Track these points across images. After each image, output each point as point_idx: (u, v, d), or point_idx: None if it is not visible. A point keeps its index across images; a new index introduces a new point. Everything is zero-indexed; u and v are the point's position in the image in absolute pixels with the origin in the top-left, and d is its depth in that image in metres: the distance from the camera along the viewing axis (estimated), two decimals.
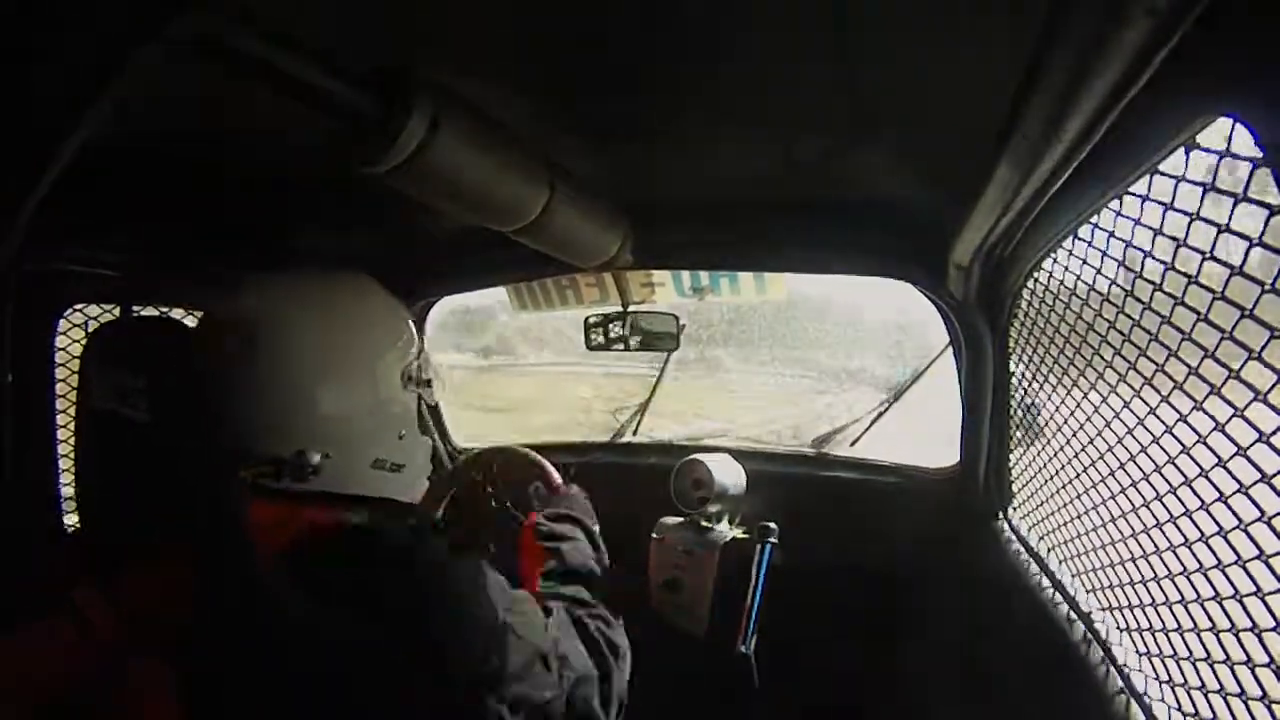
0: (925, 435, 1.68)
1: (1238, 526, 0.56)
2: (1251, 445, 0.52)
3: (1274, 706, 0.54)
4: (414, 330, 0.80)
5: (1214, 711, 0.62)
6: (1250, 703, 0.56)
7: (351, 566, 0.64)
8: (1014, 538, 1.19)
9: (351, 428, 0.71)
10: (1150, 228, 0.63)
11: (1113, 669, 0.79)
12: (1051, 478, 1.01)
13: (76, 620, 0.58)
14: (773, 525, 1.31)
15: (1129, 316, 0.70)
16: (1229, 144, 0.50)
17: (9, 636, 0.59)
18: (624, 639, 0.88)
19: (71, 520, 1.15)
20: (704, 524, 1.39)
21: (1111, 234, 0.71)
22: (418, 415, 0.81)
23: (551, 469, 1.27)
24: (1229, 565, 0.58)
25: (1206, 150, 0.52)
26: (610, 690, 0.81)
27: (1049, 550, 1.07)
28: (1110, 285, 0.73)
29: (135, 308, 1.21)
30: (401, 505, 0.79)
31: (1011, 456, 1.24)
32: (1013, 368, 1.17)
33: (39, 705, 0.57)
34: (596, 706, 0.78)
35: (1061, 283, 0.88)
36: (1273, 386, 0.49)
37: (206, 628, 0.59)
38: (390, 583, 0.64)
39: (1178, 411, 0.63)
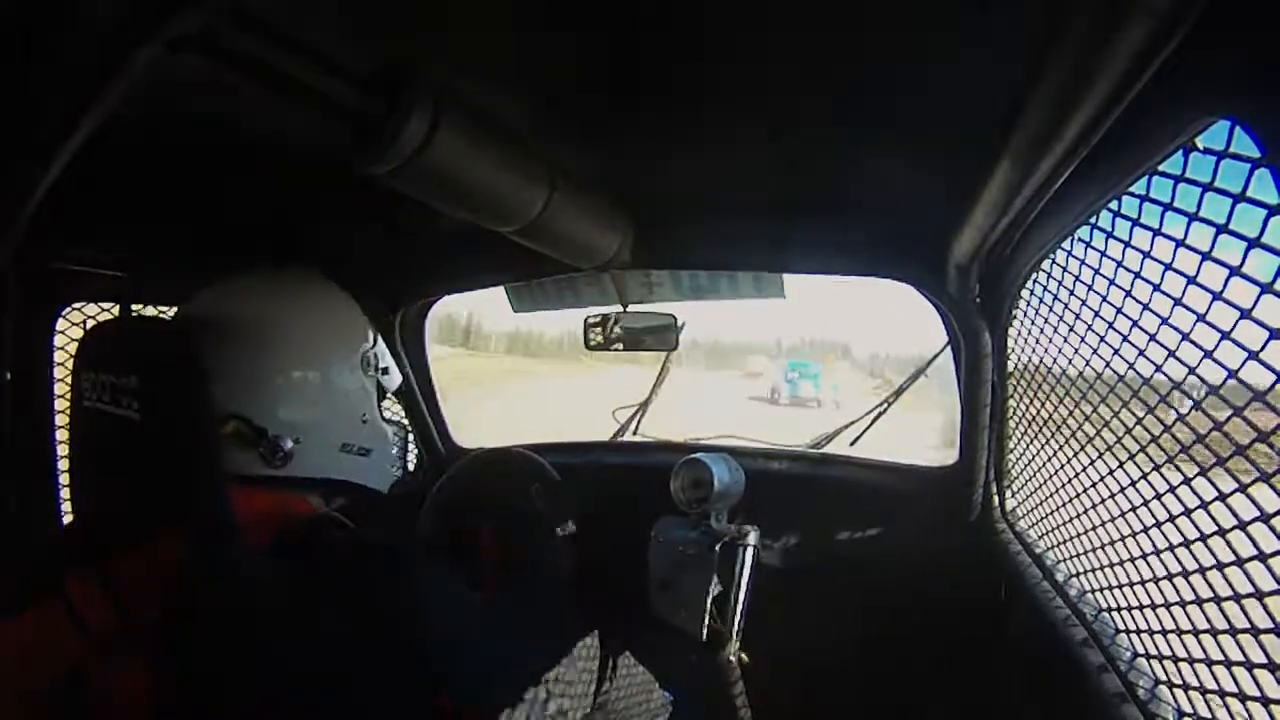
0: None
1: (1237, 526, 0.56)
2: (1250, 445, 0.53)
3: (1273, 707, 0.54)
4: (366, 321, 0.85)
5: (1213, 712, 0.62)
6: (1249, 703, 0.56)
7: (334, 563, 0.65)
8: (1014, 538, 1.19)
9: (317, 413, 0.75)
10: (1150, 228, 0.63)
11: (1111, 669, 0.79)
12: (1051, 477, 1.01)
13: (67, 608, 0.58)
14: (751, 527, 1.30)
15: (1128, 317, 0.70)
16: (1229, 144, 0.50)
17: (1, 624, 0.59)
18: None
19: (70, 519, 1.15)
20: (704, 523, 1.39)
21: (1111, 234, 0.71)
22: (377, 401, 0.85)
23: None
24: (1228, 566, 0.58)
25: (1206, 151, 0.52)
26: None
27: (1048, 550, 1.07)
28: (1110, 285, 0.73)
29: (134, 307, 1.21)
30: (376, 495, 0.83)
31: (1011, 457, 1.24)
32: (1012, 368, 1.17)
33: (27, 691, 0.57)
34: None
35: (1061, 283, 0.88)
36: (1271, 387, 0.49)
37: (194, 617, 0.59)
38: (372, 583, 0.65)
39: (1177, 411, 0.63)
